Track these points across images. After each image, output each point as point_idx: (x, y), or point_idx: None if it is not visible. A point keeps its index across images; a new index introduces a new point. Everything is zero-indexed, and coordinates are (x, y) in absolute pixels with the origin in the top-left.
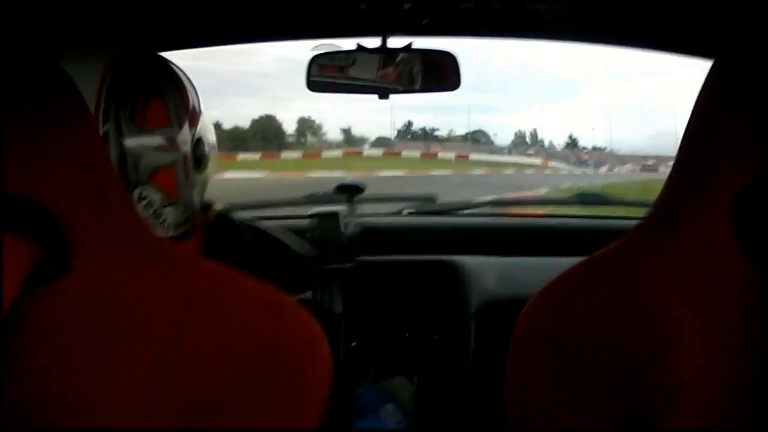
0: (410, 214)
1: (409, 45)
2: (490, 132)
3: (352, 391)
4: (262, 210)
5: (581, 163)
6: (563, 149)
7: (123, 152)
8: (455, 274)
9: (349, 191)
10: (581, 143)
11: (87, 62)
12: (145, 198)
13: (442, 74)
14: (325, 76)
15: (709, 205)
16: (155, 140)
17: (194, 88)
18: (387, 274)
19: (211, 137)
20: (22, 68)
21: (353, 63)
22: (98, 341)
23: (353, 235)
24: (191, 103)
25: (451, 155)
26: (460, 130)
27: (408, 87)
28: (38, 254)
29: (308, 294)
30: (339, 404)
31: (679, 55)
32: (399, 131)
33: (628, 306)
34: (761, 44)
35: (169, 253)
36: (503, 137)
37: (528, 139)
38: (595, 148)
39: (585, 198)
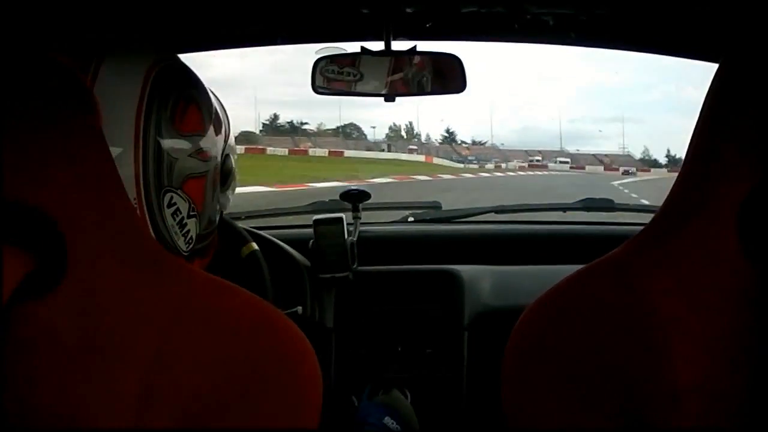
0: (414, 221)
1: (414, 48)
2: (366, 126)
3: (347, 405)
4: (268, 219)
5: (463, 159)
6: (442, 143)
7: (160, 153)
8: (449, 283)
9: (355, 198)
10: (459, 137)
11: (131, 62)
12: (174, 204)
13: (447, 76)
14: (331, 81)
15: (713, 211)
16: (190, 146)
17: (222, 106)
18: (381, 285)
19: (235, 155)
20: (30, 74)
21: (361, 78)
22: (92, 353)
23: (355, 243)
24: (221, 117)
25: (323, 152)
26: (331, 124)
27: (414, 90)
28: (31, 265)
29: (298, 308)
30: (335, 418)
31: (682, 57)
32: (264, 125)
33: (629, 312)
34: (765, 49)
35: (164, 264)
36: (377, 131)
37: (404, 133)
38: (475, 143)
39: (590, 203)
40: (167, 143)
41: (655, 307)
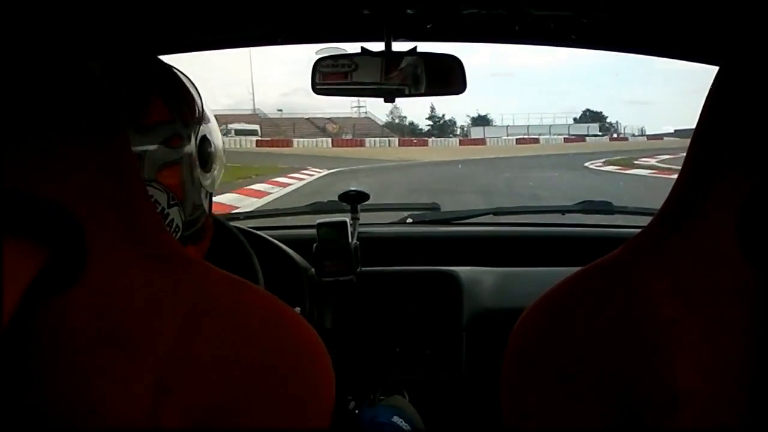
0: (413, 222)
1: (414, 49)
2: None
3: (343, 406)
4: (267, 220)
5: None
6: None
7: None
8: (448, 285)
9: (353, 199)
10: None
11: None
12: (151, 197)
13: (447, 77)
14: (329, 81)
15: (712, 212)
16: (158, 137)
17: (195, 87)
18: (380, 286)
19: (216, 138)
20: (46, 70)
21: (356, 68)
22: (108, 348)
23: (357, 246)
24: (193, 101)
25: None
26: None
27: (414, 90)
28: (47, 259)
29: (296, 309)
30: (340, 418)
31: (683, 60)
32: None
33: (628, 314)
34: (765, 52)
35: (180, 260)
36: None
37: None
38: None
39: (589, 206)
40: (132, 139)
41: (654, 308)
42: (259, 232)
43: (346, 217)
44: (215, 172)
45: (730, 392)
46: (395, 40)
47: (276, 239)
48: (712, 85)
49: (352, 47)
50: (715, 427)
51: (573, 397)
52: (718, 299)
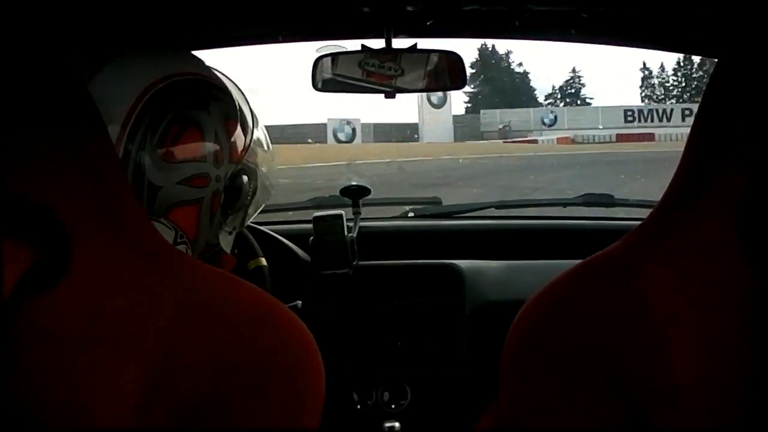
0: (415, 216)
1: (414, 45)
2: None
3: (346, 401)
4: (267, 214)
5: None
6: None
7: (141, 180)
8: (450, 278)
9: (355, 194)
10: None
11: (132, 73)
12: None
13: (448, 73)
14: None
15: (712, 207)
16: (181, 174)
17: (251, 110)
18: (381, 280)
19: (262, 165)
20: (30, 70)
21: (402, 73)
22: (95, 347)
23: (355, 239)
24: (237, 132)
25: None
26: None
27: (416, 86)
28: (32, 258)
29: (298, 303)
30: (335, 413)
31: (685, 53)
32: None
33: (627, 308)
34: (765, 46)
35: (167, 256)
36: None
37: None
38: None
39: (590, 198)
40: (149, 171)
41: (653, 303)
42: (261, 227)
43: (345, 211)
44: (242, 211)
45: (731, 387)
46: (395, 37)
47: (278, 234)
48: (710, 79)
49: (352, 44)
50: (716, 422)
51: (571, 392)
52: (717, 293)
